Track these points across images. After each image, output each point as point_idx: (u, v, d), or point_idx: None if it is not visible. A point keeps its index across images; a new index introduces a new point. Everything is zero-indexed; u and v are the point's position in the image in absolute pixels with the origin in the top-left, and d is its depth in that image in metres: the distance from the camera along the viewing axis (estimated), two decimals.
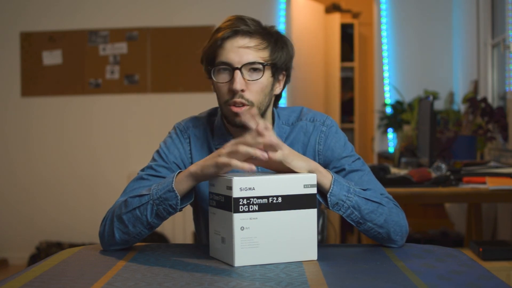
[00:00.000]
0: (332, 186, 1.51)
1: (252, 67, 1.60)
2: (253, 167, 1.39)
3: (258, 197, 1.38)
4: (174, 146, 1.71)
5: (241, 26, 1.60)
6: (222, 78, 1.62)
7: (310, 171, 1.49)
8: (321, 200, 1.54)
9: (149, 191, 1.52)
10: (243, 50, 1.60)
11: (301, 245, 1.43)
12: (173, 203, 1.49)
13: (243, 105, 1.60)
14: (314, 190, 1.44)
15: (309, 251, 1.44)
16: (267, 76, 1.63)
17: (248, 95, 1.60)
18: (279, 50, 1.64)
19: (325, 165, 1.67)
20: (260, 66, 1.61)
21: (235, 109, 1.60)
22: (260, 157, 1.41)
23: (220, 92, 1.64)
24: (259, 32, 1.62)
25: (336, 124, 1.75)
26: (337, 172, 1.65)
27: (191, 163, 1.70)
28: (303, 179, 1.43)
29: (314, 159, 1.69)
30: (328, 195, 1.51)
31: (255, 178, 1.38)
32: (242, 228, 1.38)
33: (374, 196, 1.57)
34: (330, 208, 1.52)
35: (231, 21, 1.63)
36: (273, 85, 1.67)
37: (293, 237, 1.42)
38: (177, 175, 1.50)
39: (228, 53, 1.60)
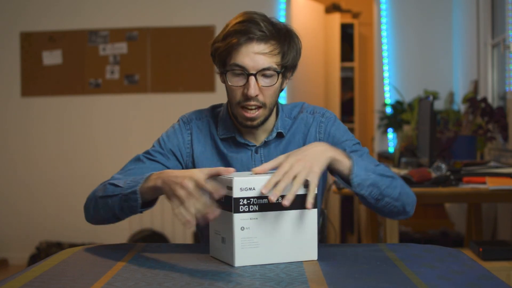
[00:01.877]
0: (353, 167, 1.52)
1: (266, 73, 1.63)
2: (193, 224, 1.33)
3: (258, 197, 1.38)
4: (174, 135, 1.77)
5: (257, 32, 1.61)
6: (235, 81, 1.64)
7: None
8: (340, 181, 1.55)
9: (124, 184, 1.54)
10: (259, 56, 1.62)
11: (301, 245, 1.43)
12: (134, 205, 1.51)
13: (256, 106, 1.65)
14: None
15: (309, 251, 1.44)
16: (279, 80, 1.67)
17: (262, 98, 1.65)
18: (291, 51, 1.67)
19: None
20: (274, 73, 1.64)
21: (247, 114, 1.65)
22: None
23: (232, 94, 1.67)
24: (273, 36, 1.63)
25: (335, 116, 1.81)
26: None
27: (190, 153, 1.75)
28: None
29: None
30: (352, 176, 1.52)
31: (255, 178, 1.38)
32: (242, 228, 1.38)
33: (387, 171, 1.60)
34: (353, 189, 1.53)
35: (245, 24, 1.62)
36: (282, 83, 1.72)
37: (293, 237, 1.42)
38: (147, 178, 1.48)
39: (243, 57, 1.62)
